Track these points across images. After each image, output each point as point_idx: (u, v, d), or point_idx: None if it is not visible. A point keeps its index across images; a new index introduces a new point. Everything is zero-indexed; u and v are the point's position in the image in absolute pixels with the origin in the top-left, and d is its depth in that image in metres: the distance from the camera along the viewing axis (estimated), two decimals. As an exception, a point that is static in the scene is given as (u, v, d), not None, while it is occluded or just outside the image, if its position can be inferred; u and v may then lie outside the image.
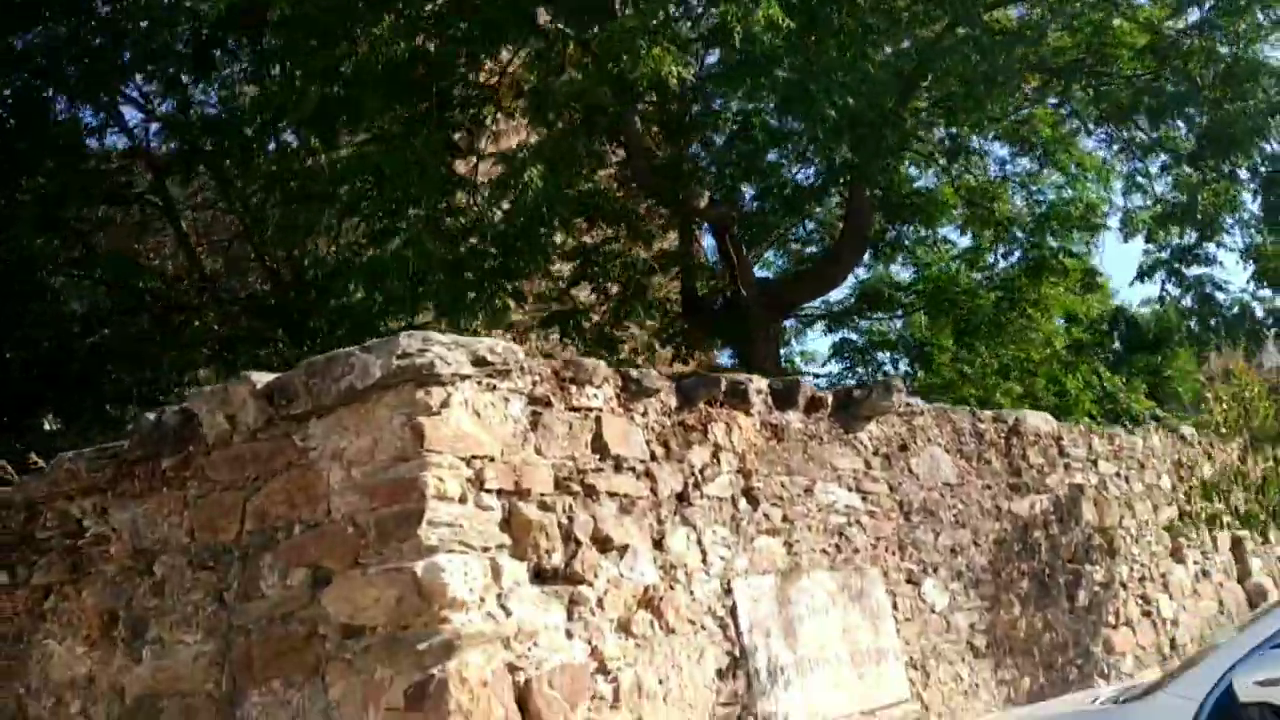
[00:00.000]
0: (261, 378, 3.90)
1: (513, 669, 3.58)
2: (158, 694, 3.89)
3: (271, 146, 11.46)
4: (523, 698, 3.58)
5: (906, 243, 13.78)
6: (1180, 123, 11.16)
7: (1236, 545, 10.10)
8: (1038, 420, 7.71)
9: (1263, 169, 10.99)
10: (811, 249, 13.69)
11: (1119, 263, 39.60)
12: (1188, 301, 12.09)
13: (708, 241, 12.88)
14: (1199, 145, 11.12)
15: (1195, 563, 9.14)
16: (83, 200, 12.64)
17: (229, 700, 3.73)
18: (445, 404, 3.67)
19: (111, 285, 13.31)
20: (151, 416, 4.11)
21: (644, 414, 4.53)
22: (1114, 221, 12.62)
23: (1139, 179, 12.52)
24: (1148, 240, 12.57)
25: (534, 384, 4.06)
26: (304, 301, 12.62)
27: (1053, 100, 11.83)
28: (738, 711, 4.39)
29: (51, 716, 4.21)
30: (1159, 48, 10.75)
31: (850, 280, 13.21)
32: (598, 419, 4.28)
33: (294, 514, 3.76)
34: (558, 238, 10.11)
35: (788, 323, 13.60)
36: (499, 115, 10.08)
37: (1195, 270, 11.92)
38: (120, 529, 4.14)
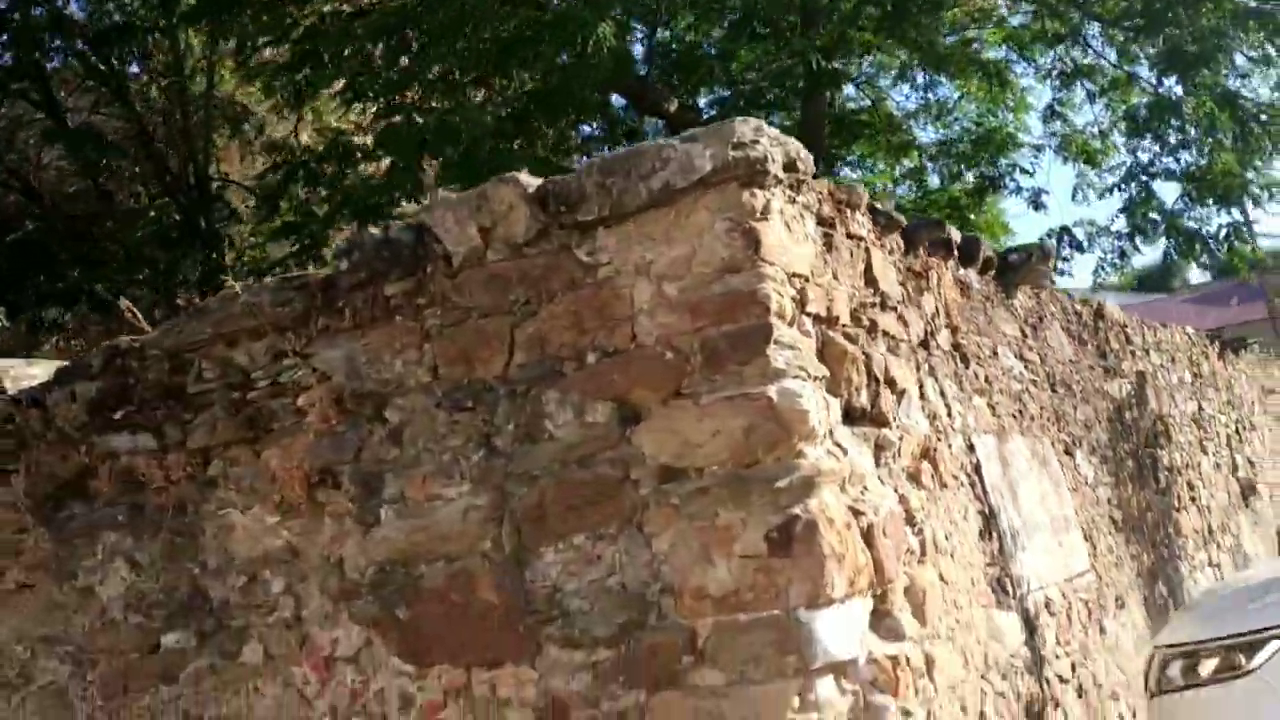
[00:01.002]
0: (530, 181, 3.25)
1: (855, 513, 3.11)
2: (412, 559, 3.24)
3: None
4: (867, 545, 3.11)
5: (850, 160, 13.77)
6: (1162, 36, 11.18)
7: (1228, 443, 10.44)
8: (1111, 307, 7.61)
9: (1219, 88, 11.20)
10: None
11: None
12: (1122, 223, 12.34)
13: None
14: (1166, 62, 11.23)
15: (1213, 454, 9.35)
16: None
17: (515, 560, 3.12)
18: (766, 210, 3.12)
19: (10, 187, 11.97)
20: (376, 232, 3.40)
21: (890, 251, 4.08)
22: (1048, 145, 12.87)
23: (1058, 108, 12.71)
24: (1086, 162, 12.78)
25: (819, 202, 3.54)
26: (207, 207, 11.56)
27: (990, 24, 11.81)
28: (998, 573, 4.05)
29: (244, 597, 3.50)
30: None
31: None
32: (867, 249, 3.80)
33: (585, 340, 3.15)
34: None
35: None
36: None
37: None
38: (330, 370, 3.43)
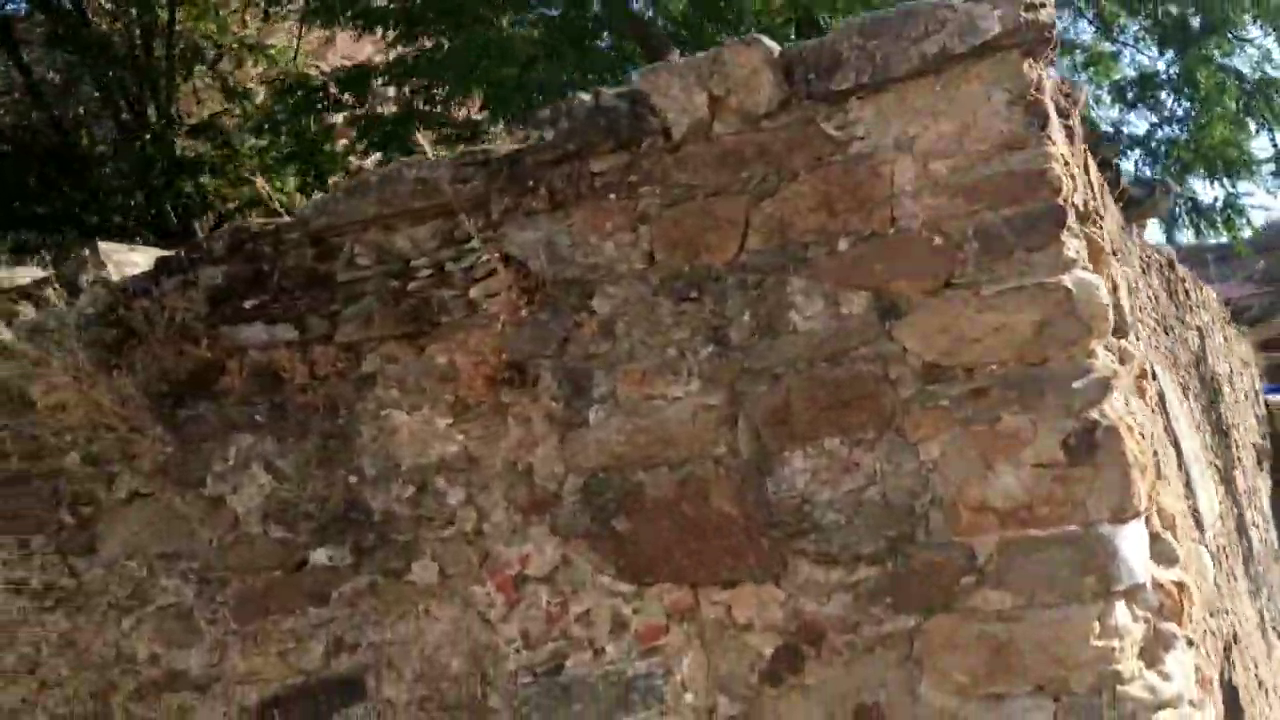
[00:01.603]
0: (773, 45, 2.87)
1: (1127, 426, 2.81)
2: (629, 464, 2.86)
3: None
4: (1142, 459, 2.82)
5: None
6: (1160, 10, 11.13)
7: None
8: (1175, 257, 7.47)
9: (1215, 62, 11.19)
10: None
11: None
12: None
13: None
14: (1165, 34, 11.18)
15: (1242, 417, 9.33)
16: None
17: (757, 465, 2.77)
18: (1040, 85, 2.80)
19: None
20: (587, 98, 2.98)
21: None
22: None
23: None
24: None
25: (1056, 91, 3.22)
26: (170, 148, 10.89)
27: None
28: (1188, 508, 3.81)
29: (413, 509, 3.08)
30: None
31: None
32: (1087, 150, 3.49)
33: (836, 224, 2.80)
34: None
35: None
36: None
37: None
38: (525, 254, 3.02)
